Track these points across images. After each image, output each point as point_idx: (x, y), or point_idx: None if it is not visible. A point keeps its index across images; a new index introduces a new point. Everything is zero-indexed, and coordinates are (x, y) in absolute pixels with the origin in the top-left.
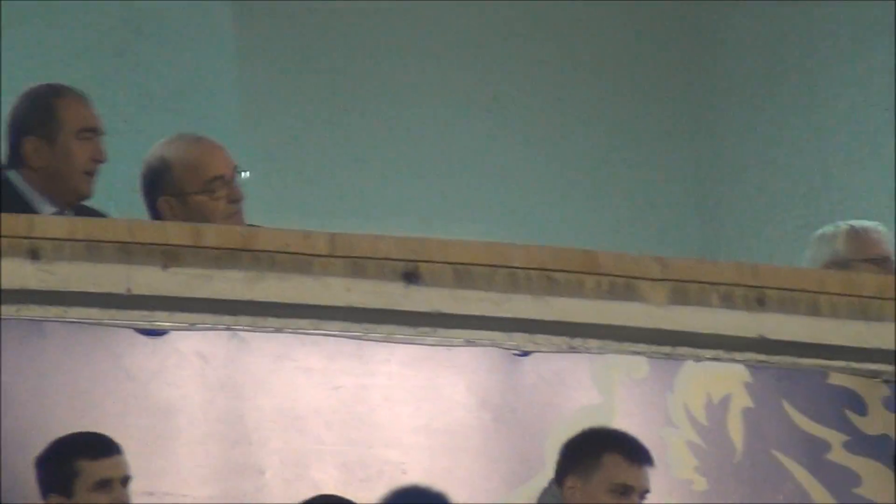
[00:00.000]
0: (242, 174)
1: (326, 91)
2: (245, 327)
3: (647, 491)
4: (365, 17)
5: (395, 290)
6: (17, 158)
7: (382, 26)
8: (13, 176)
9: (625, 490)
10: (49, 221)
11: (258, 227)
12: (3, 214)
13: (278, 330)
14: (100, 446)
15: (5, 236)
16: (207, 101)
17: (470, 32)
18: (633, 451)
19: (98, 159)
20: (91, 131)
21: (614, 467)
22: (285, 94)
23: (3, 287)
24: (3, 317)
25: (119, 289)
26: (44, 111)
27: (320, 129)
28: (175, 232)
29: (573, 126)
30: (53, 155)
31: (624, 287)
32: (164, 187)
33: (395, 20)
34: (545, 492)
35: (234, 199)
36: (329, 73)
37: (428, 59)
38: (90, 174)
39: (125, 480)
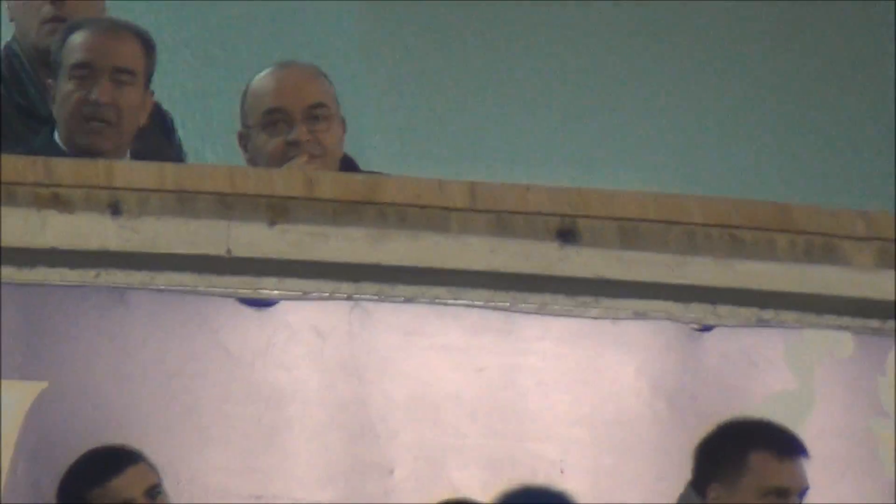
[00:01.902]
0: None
1: (461, 13)
2: (369, 296)
3: (806, 488)
4: None
5: (548, 252)
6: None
7: None
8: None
9: (780, 492)
10: (133, 168)
11: (383, 175)
12: (77, 160)
13: (409, 300)
14: (106, 466)
15: (80, 186)
16: (321, 23)
17: None
18: (785, 445)
19: (86, 100)
20: (82, 67)
21: (764, 468)
22: (413, 13)
23: (79, 247)
24: (80, 283)
25: (217, 250)
26: (58, 45)
27: (456, 58)
28: (284, 181)
29: (754, 53)
30: (58, 98)
31: (823, 247)
32: (242, 119)
33: None
34: (682, 497)
35: (292, 142)
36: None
37: None
38: (83, 120)
39: (153, 490)
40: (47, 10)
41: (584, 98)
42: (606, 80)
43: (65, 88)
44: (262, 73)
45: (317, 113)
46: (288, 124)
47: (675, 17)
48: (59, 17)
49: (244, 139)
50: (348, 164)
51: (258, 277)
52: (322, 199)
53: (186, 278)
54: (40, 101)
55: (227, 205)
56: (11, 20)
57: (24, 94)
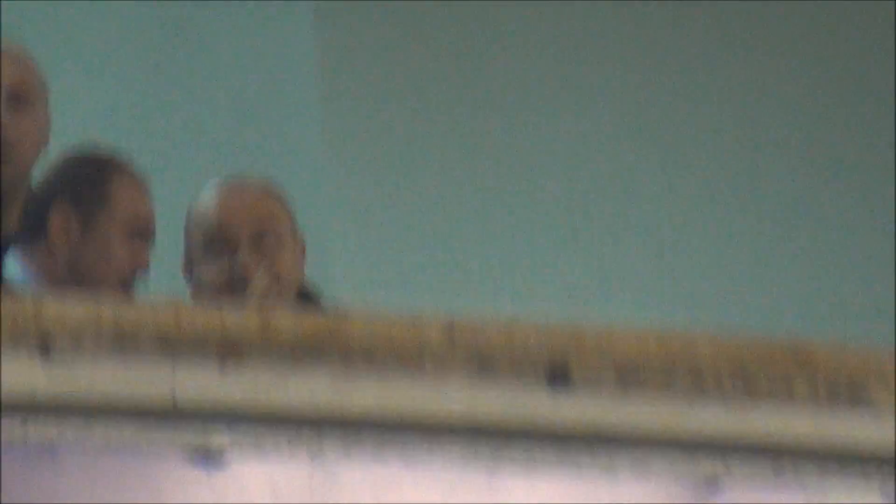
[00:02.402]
0: None
1: (439, 125)
2: (333, 450)
3: None
4: (495, 35)
5: (537, 398)
6: (36, 230)
7: (514, 54)
8: (20, 254)
9: None
10: (64, 303)
11: (348, 309)
12: (2, 293)
13: (378, 454)
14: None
15: (4, 322)
16: (282, 133)
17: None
18: None
19: (141, 266)
20: (143, 230)
21: None
22: (386, 122)
23: (2, 394)
24: (2, 436)
25: (161, 397)
26: (91, 180)
27: (433, 176)
28: (236, 318)
29: (773, 171)
30: (87, 241)
31: (848, 390)
32: (185, 245)
33: (530, 49)
34: None
35: (237, 271)
36: (442, 99)
37: (576, 90)
38: (127, 285)
39: None
40: None
41: (577, 222)
42: (602, 203)
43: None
44: (206, 192)
45: (266, 238)
46: (232, 251)
47: (677, 137)
48: None
49: (188, 268)
50: (309, 294)
51: (207, 428)
52: (280, 339)
53: (126, 430)
54: None
55: (172, 345)
56: None
57: None
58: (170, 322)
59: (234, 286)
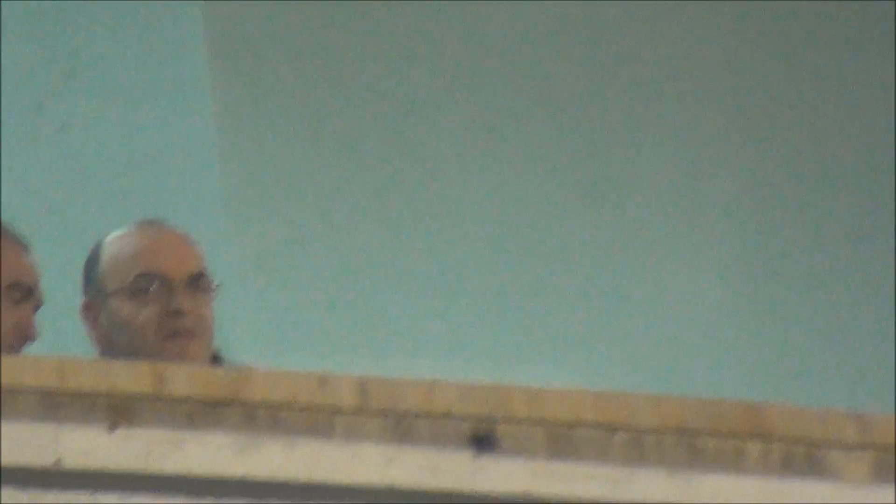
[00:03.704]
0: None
1: (345, 169)
2: None
3: None
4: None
5: (460, 463)
6: None
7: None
8: None
9: None
10: None
11: (250, 368)
12: None
13: None
14: None
15: None
16: (179, 181)
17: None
18: None
19: (27, 335)
20: (23, 290)
21: None
22: (285, 163)
23: None
24: None
25: (44, 460)
26: None
27: (342, 223)
28: (127, 375)
29: (719, 217)
30: None
31: (805, 457)
32: (89, 287)
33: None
34: None
35: (175, 311)
36: (347, 143)
37: (496, 126)
38: (13, 350)
39: None
40: None
41: (502, 273)
42: (531, 252)
43: None
44: (122, 234)
45: (200, 283)
46: (165, 292)
47: (613, 176)
48: None
49: (92, 310)
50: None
51: (95, 493)
52: (176, 398)
53: (6, 494)
54: None
55: (56, 404)
56: None
57: None
58: (53, 378)
59: (170, 325)
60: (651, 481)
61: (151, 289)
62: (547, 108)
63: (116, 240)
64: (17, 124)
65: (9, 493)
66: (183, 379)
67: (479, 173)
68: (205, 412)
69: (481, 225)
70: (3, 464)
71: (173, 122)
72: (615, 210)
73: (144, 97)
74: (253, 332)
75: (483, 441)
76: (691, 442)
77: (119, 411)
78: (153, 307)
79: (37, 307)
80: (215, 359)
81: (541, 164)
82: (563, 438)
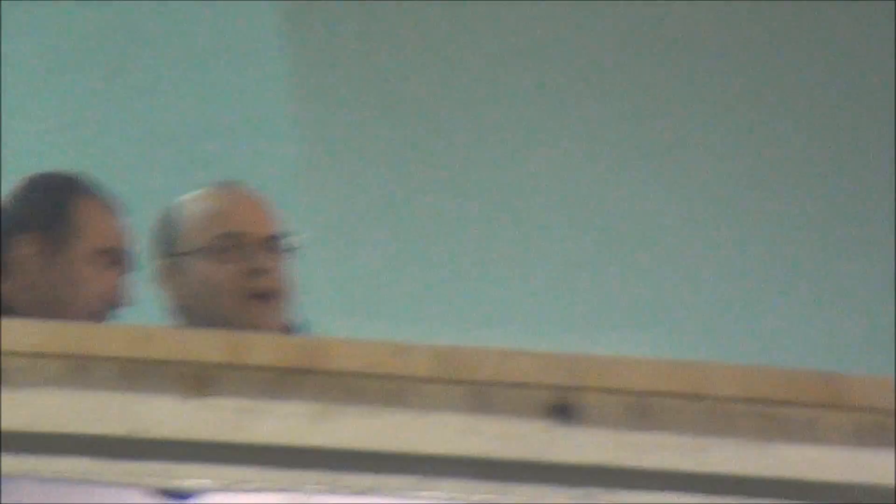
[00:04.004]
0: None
1: (432, 137)
2: (312, 489)
3: None
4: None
5: (537, 433)
6: None
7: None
8: None
9: None
10: (16, 326)
11: (328, 337)
12: None
13: (361, 493)
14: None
15: None
16: (254, 144)
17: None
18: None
19: (117, 301)
20: (113, 255)
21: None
22: (361, 137)
23: None
24: None
25: (119, 429)
26: (55, 205)
27: (422, 190)
28: (204, 343)
29: (788, 193)
30: (53, 270)
31: (878, 427)
32: (165, 248)
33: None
34: None
35: (257, 269)
36: (421, 109)
37: (569, 101)
38: (99, 316)
39: None
40: None
41: (581, 242)
42: (608, 219)
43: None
44: (199, 195)
45: (279, 244)
46: (245, 252)
47: (683, 154)
48: None
49: (169, 271)
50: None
51: (171, 465)
52: (253, 366)
53: (81, 464)
54: None
55: (133, 374)
56: None
57: None
58: (130, 348)
59: (251, 283)
60: (729, 451)
61: (232, 249)
62: (615, 73)
63: (194, 201)
64: (93, 91)
65: (85, 463)
66: (261, 348)
67: (551, 141)
68: (282, 381)
69: (557, 193)
70: (80, 433)
71: (248, 89)
72: (691, 177)
73: (220, 64)
74: (327, 300)
75: (561, 411)
76: (769, 411)
77: (196, 380)
78: (233, 267)
79: (128, 272)
80: (291, 327)
81: (613, 132)
82: (641, 408)
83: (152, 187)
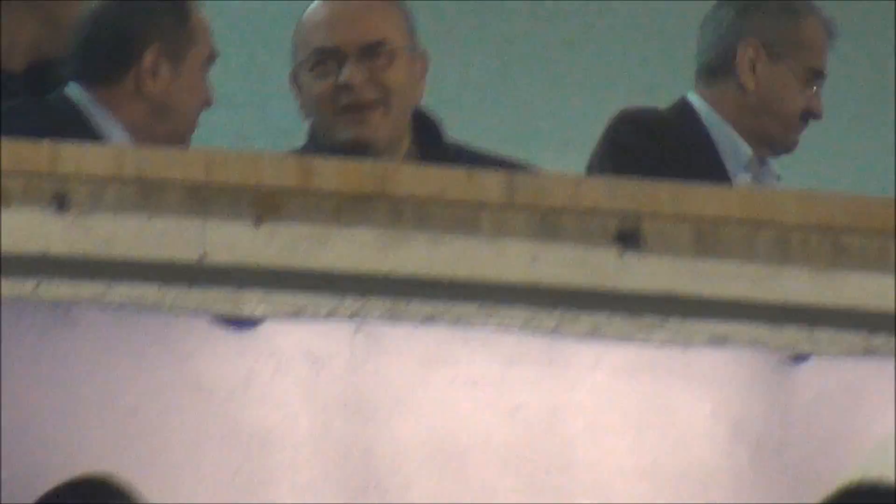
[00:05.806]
0: None
1: None
2: (378, 316)
3: None
4: None
5: (605, 260)
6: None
7: None
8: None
9: None
10: (84, 151)
11: (397, 163)
12: (13, 141)
13: (428, 320)
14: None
15: (17, 173)
16: None
17: None
18: None
19: (210, 99)
20: (212, 63)
21: None
22: None
23: (15, 251)
24: (16, 296)
25: (189, 255)
26: (177, 17)
27: (492, 14)
28: (273, 168)
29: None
30: (176, 79)
31: None
32: (293, 56)
33: None
34: None
35: (343, 85)
36: None
37: None
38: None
39: None
40: None
41: (651, 68)
42: (679, 49)
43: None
44: (312, 6)
45: (377, 52)
46: (339, 64)
47: None
48: None
49: (296, 79)
50: (427, 118)
51: (239, 290)
52: (322, 192)
53: (149, 291)
54: None
55: (202, 198)
56: None
57: None
58: (199, 172)
59: (341, 100)
60: (795, 279)
61: (322, 63)
62: None
63: (308, 11)
64: None
65: (153, 290)
66: (330, 173)
67: None
68: (351, 207)
69: (633, 19)
70: (149, 259)
71: None
72: None
73: None
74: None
75: (629, 238)
76: (836, 240)
77: (265, 205)
78: (326, 82)
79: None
80: (429, 122)
81: None
82: (708, 236)
83: None
